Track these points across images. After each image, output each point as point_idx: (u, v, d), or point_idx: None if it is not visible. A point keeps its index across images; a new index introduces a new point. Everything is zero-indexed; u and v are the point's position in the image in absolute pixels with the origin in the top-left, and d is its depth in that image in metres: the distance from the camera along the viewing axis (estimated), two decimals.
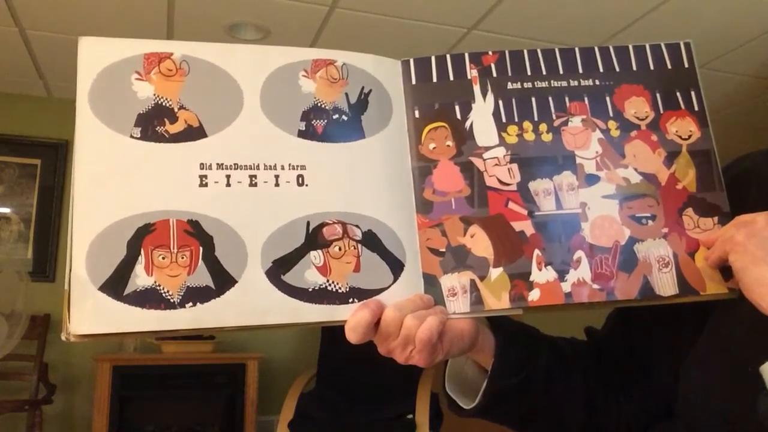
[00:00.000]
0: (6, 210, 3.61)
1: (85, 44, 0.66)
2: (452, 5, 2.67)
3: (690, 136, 0.71)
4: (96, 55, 0.66)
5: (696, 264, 0.67)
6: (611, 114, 0.72)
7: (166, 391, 3.35)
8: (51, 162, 3.69)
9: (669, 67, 0.74)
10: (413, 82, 0.72)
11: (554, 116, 0.71)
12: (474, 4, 2.67)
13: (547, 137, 0.71)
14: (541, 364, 0.73)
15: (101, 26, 2.81)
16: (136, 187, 0.62)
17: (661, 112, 0.72)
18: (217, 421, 3.43)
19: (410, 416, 2.83)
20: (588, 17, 2.75)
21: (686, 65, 0.74)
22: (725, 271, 0.66)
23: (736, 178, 0.71)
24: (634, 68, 0.74)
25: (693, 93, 0.73)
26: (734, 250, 0.62)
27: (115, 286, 0.59)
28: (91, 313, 0.58)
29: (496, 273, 0.66)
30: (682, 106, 0.72)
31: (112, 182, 0.62)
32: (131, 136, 0.64)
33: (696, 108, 0.72)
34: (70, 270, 0.59)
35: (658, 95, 0.73)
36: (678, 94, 0.73)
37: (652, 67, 0.74)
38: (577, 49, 0.74)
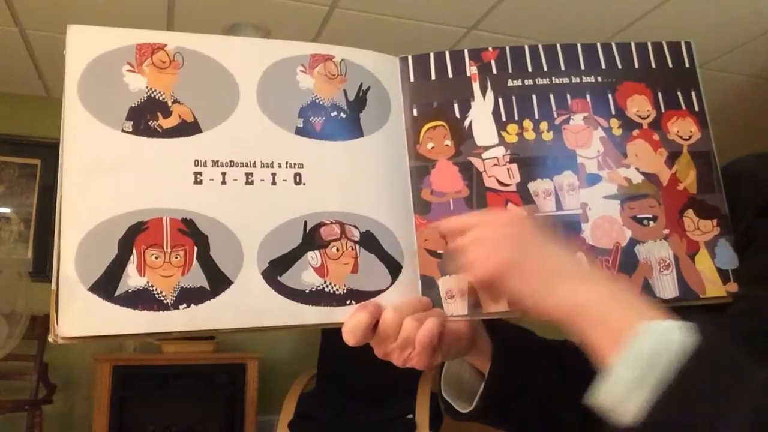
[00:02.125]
0: (6, 210, 3.60)
1: (74, 33, 0.63)
2: (452, 5, 2.65)
3: (690, 137, 0.70)
4: (85, 45, 0.63)
5: (696, 266, 0.66)
6: (613, 112, 0.71)
7: (166, 391, 3.33)
8: (51, 162, 3.66)
9: (670, 66, 0.73)
10: (411, 79, 0.71)
11: (555, 114, 0.70)
12: (474, 4, 2.66)
13: (547, 136, 0.69)
14: (539, 367, 0.72)
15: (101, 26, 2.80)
16: (127, 184, 0.60)
17: (663, 111, 0.71)
18: (217, 421, 3.42)
19: (410, 416, 2.82)
20: (588, 17, 2.73)
21: (687, 65, 0.73)
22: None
23: (728, 180, 0.70)
24: (636, 66, 0.72)
25: (693, 93, 0.72)
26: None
27: (106, 286, 0.57)
28: (80, 315, 0.56)
29: None
30: (683, 107, 0.71)
31: (103, 178, 0.60)
32: (123, 130, 0.62)
33: (696, 109, 0.71)
34: (58, 269, 0.57)
35: (659, 94, 0.72)
36: (679, 93, 0.72)
37: (653, 66, 0.73)
38: (579, 45, 0.73)
